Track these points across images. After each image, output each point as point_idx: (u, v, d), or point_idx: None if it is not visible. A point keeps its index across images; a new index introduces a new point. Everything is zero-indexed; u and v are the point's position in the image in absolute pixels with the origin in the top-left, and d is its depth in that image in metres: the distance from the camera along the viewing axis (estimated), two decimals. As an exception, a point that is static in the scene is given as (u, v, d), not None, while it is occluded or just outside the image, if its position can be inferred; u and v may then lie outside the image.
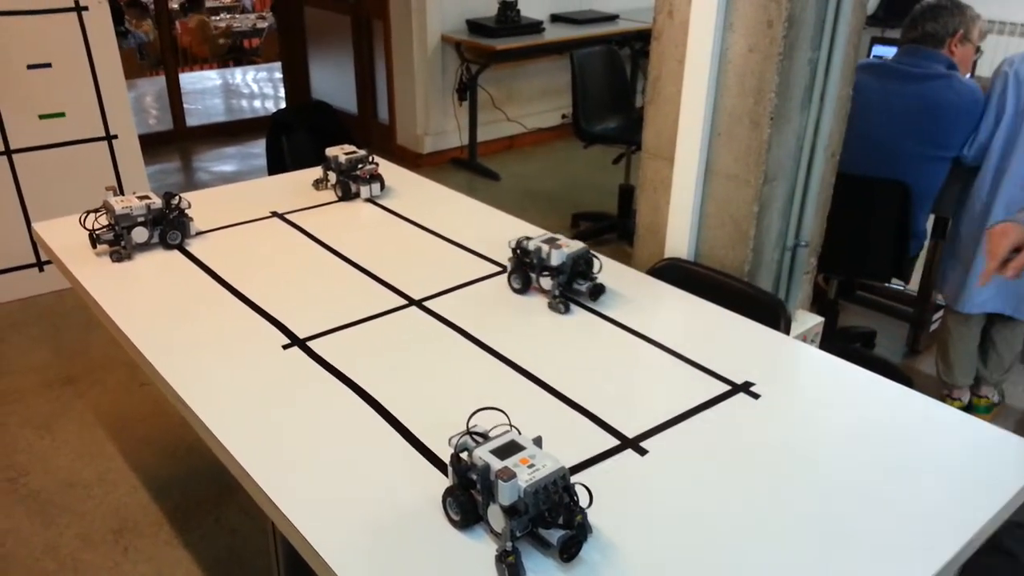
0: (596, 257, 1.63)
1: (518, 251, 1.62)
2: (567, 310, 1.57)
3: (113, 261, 1.74)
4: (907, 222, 2.48)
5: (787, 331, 1.68)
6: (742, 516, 1.07)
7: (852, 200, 2.27)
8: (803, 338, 1.95)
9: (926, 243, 2.66)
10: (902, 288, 3.17)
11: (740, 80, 1.74)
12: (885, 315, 3.25)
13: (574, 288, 1.60)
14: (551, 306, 1.58)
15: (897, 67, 2.47)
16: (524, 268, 1.63)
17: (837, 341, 2.95)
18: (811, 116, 1.82)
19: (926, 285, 2.98)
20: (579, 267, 1.59)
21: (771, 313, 1.67)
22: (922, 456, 1.20)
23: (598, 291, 1.60)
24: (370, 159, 2.12)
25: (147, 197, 1.80)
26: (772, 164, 1.78)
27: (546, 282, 1.59)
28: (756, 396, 1.33)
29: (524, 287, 1.64)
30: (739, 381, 1.37)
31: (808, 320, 2.01)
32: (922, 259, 2.80)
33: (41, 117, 3.22)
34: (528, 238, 1.63)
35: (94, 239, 1.77)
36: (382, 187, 2.11)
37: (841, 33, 1.75)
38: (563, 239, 1.61)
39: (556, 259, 1.56)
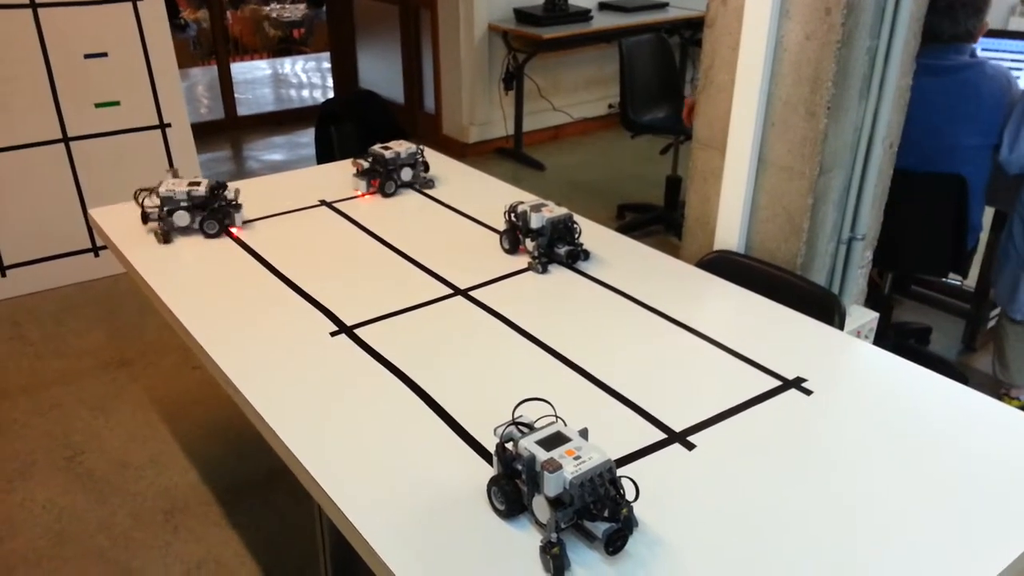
0: (576, 224, 1.74)
1: (510, 215, 1.75)
2: (545, 270, 1.69)
3: (159, 242, 1.78)
4: (964, 215, 2.41)
5: (841, 326, 1.64)
6: (791, 514, 1.05)
7: (907, 195, 2.22)
8: (857, 333, 1.91)
9: (981, 236, 2.59)
10: (959, 284, 3.08)
11: (796, 69, 1.70)
12: (940, 311, 3.16)
13: (554, 251, 1.71)
14: (531, 266, 1.70)
15: (928, 64, 2.40)
16: (515, 231, 1.75)
17: (891, 337, 2.88)
18: (869, 106, 1.77)
19: (983, 281, 2.90)
20: (559, 231, 1.71)
21: (824, 308, 1.63)
22: (979, 455, 1.16)
23: (575, 255, 1.71)
24: (419, 151, 2.09)
25: (196, 184, 1.83)
26: (828, 155, 1.74)
27: (529, 243, 1.72)
28: (808, 392, 1.30)
29: (513, 248, 1.77)
30: (790, 376, 1.34)
31: (862, 315, 1.97)
32: (980, 254, 2.72)
33: (97, 105, 3.30)
34: (521, 202, 1.74)
35: (145, 215, 1.83)
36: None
37: (902, 20, 1.70)
38: (551, 205, 1.74)
39: (536, 222, 1.70)
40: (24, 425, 2.51)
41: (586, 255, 1.73)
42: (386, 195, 2.06)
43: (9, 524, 2.13)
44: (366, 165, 2.07)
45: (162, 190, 1.80)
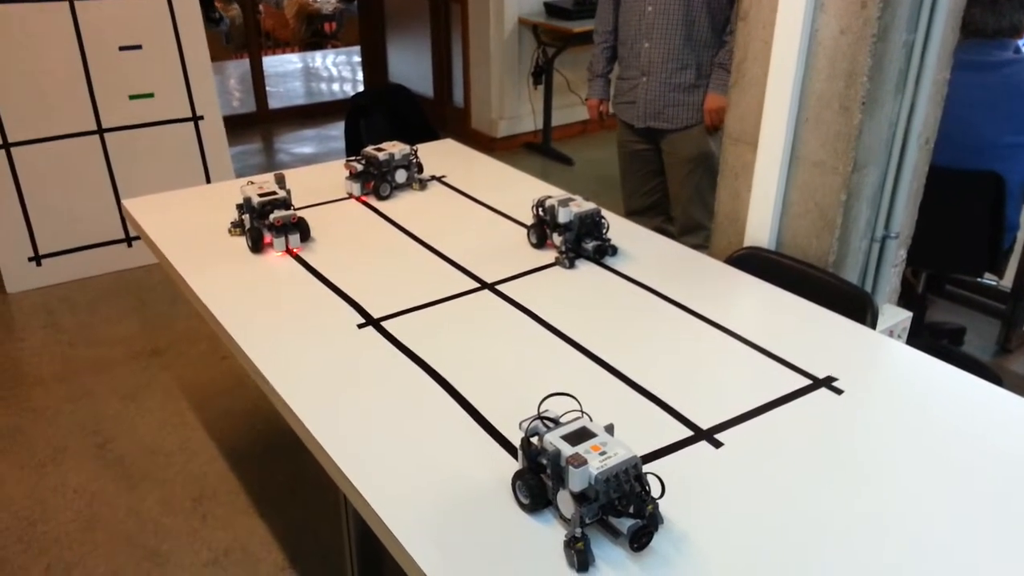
0: (604, 219, 1.72)
1: (538, 209, 1.74)
2: (572, 265, 1.68)
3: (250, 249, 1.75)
4: (1001, 214, 2.36)
5: (873, 325, 1.61)
6: (819, 514, 1.04)
7: (943, 193, 2.18)
8: (889, 333, 1.88)
9: (1018, 235, 2.54)
10: (994, 284, 3.02)
11: (831, 63, 1.68)
12: (975, 311, 3.10)
13: (582, 247, 1.70)
14: (557, 261, 1.69)
15: (970, 59, 2.35)
16: (542, 225, 1.74)
17: (924, 337, 2.84)
18: (905, 101, 1.74)
19: (1020, 281, 2.84)
20: (586, 226, 1.69)
21: (857, 306, 1.60)
22: (1013, 458, 1.13)
23: (602, 251, 1.69)
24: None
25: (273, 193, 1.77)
26: (862, 151, 1.71)
27: (556, 238, 1.70)
28: (839, 391, 1.28)
29: (540, 242, 1.76)
30: (821, 375, 1.32)
31: (895, 314, 1.93)
32: (1016, 254, 2.66)
33: (131, 97, 3.35)
34: (548, 197, 1.73)
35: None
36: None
37: (940, 14, 1.67)
38: (579, 200, 1.72)
39: (564, 217, 1.68)
40: (57, 412, 2.56)
41: (614, 250, 1.72)
42: (381, 198, 2.01)
43: (42, 508, 2.17)
44: (359, 167, 2.02)
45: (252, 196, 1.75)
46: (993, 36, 2.30)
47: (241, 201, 1.79)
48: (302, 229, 1.77)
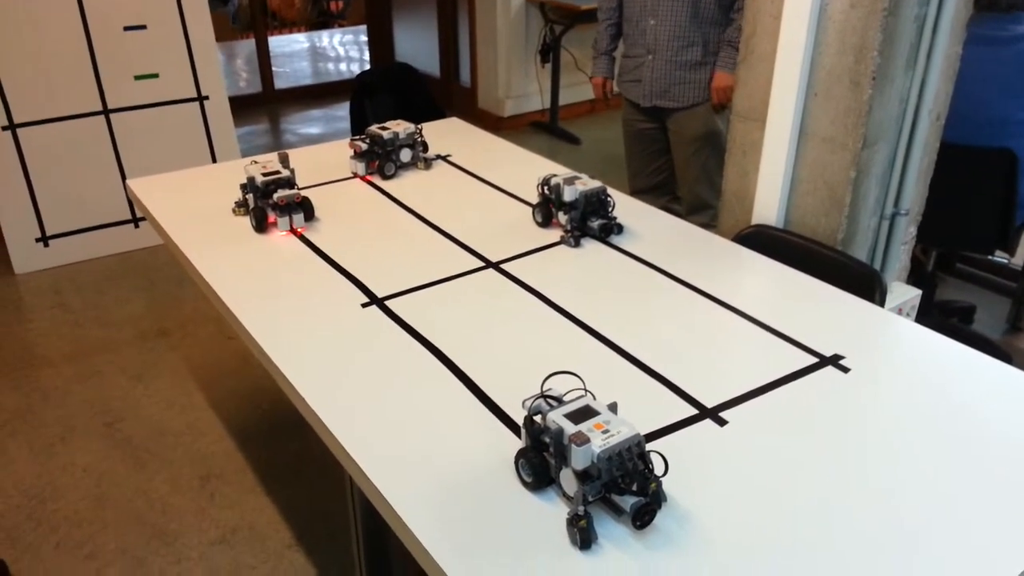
0: (610, 197, 1.71)
1: (543, 187, 1.73)
2: (577, 244, 1.67)
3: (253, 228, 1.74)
4: (1013, 191, 2.33)
5: (882, 303, 1.60)
6: (824, 492, 1.03)
7: (955, 169, 2.16)
8: (898, 311, 1.86)
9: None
10: (1005, 261, 2.99)
11: (840, 37, 1.65)
12: (986, 289, 3.08)
13: (587, 225, 1.69)
14: (563, 239, 1.68)
15: (983, 33, 2.30)
16: (548, 204, 1.73)
17: (934, 315, 2.81)
18: (916, 76, 1.71)
19: (1033, 259, 2.81)
20: (592, 205, 1.69)
21: (865, 284, 1.59)
22: (1022, 436, 1.12)
23: (608, 229, 1.69)
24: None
25: (276, 172, 1.76)
26: (872, 127, 1.68)
27: (562, 217, 1.70)
28: (845, 369, 1.27)
29: (545, 221, 1.75)
30: (828, 353, 1.31)
31: (904, 292, 1.91)
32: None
33: (136, 78, 3.33)
34: (554, 175, 1.72)
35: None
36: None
37: (953, -14, 1.64)
38: (584, 178, 1.71)
39: (569, 195, 1.67)
40: (65, 392, 2.57)
41: (620, 229, 1.71)
42: (385, 177, 2.01)
43: (52, 487, 2.18)
44: (364, 147, 2.01)
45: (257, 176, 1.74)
46: (1008, 9, 2.26)
47: (245, 181, 1.78)
48: (306, 209, 1.76)
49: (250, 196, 1.77)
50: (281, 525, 2.06)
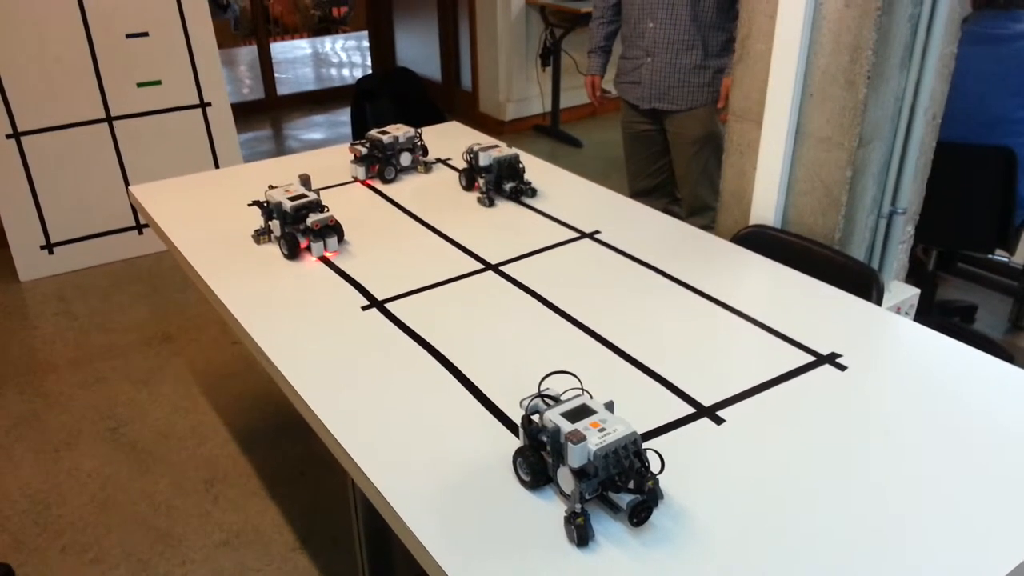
0: (522, 164, 1.92)
1: (467, 156, 1.92)
2: (491, 204, 1.88)
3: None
4: (1012, 189, 2.33)
5: (879, 302, 1.60)
6: (821, 491, 1.04)
7: (952, 168, 2.16)
8: (896, 310, 1.87)
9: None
10: (1006, 260, 2.99)
11: (835, 37, 1.66)
12: (987, 288, 3.08)
13: (503, 188, 1.89)
14: (479, 200, 1.88)
15: (981, 31, 2.31)
16: (472, 171, 1.93)
17: (934, 315, 2.82)
18: (911, 75, 1.72)
19: (1034, 258, 2.81)
20: (506, 170, 1.89)
21: (863, 283, 1.59)
22: (1022, 436, 1.13)
23: (519, 191, 1.90)
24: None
25: (304, 196, 1.68)
26: (868, 126, 1.69)
27: (481, 181, 1.89)
28: (842, 368, 1.28)
29: (469, 185, 1.96)
30: (825, 352, 1.31)
31: (902, 291, 1.92)
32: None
33: (139, 85, 3.35)
34: (478, 144, 1.93)
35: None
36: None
37: (947, -14, 1.64)
38: (502, 146, 1.93)
39: (484, 160, 1.88)
40: (70, 397, 2.59)
41: (532, 192, 1.91)
42: (386, 181, 2.02)
43: (57, 491, 2.20)
44: (364, 151, 2.02)
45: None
46: (1006, 7, 2.26)
47: (265, 205, 1.69)
48: (338, 232, 1.68)
49: (274, 222, 1.67)
50: (285, 528, 2.07)
